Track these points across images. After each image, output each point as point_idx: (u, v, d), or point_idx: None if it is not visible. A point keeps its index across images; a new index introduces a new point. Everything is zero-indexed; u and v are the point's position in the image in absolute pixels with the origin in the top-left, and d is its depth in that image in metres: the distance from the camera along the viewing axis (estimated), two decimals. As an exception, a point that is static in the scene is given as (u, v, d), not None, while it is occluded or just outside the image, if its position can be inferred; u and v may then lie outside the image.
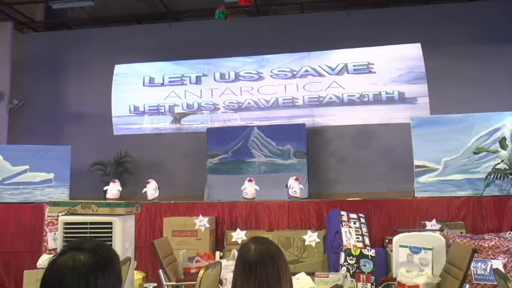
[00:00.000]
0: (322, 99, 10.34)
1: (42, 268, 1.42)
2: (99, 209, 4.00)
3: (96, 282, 1.42)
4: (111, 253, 1.53)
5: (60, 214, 4.02)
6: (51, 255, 1.53)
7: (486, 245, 4.61)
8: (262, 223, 5.59)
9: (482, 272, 4.46)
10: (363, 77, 10.23)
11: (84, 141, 10.13)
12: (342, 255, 4.73)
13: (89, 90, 11.01)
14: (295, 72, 10.51)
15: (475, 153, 5.78)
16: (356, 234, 5.15)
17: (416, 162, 5.97)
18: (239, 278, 1.98)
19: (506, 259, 4.51)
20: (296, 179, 5.88)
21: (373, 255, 4.67)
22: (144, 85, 11.10)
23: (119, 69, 11.16)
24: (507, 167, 5.58)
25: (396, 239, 4.19)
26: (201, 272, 2.92)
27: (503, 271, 4.19)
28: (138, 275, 5.15)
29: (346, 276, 4.48)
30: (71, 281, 1.39)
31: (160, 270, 4.32)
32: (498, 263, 4.45)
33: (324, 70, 10.43)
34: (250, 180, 5.88)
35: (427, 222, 5.01)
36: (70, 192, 6.74)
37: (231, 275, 2.07)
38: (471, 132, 5.90)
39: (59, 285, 1.40)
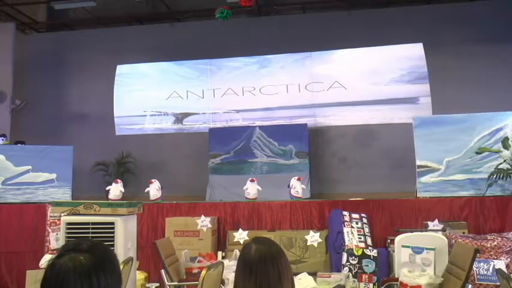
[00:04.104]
0: (324, 99, 10.33)
1: (45, 268, 1.41)
2: (101, 209, 4.01)
3: (98, 282, 1.41)
4: (109, 252, 1.52)
5: (62, 214, 4.04)
6: (53, 256, 1.52)
7: (488, 245, 4.60)
8: (264, 223, 5.59)
9: (485, 272, 4.45)
10: (364, 77, 10.23)
11: (86, 141, 10.16)
12: (344, 255, 4.73)
13: (91, 90, 11.03)
14: (297, 72, 10.51)
15: (477, 153, 5.76)
16: (358, 235, 5.14)
17: (418, 162, 5.96)
18: (240, 278, 1.98)
19: (508, 259, 4.50)
20: (298, 179, 5.87)
21: (375, 255, 4.66)
22: (145, 85, 11.12)
23: (121, 69, 11.19)
24: (509, 167, 5.56)
25: (398, 239, 4.18)
26: (203, 272, 2.92)
27: (506, 271, 4.17)
28: (140, 275, 5.15)
29: (348, 277, 4.48)
30: (73, 283, 1.38)
31: (162, 270, 4.32)
32: (500, 263, 4.44)
33: (326, 70, 10.42)
34: (252, 181, 5.87)
35: (429, 222, 5.00)
36: (72, 193, 6.74)
37: (233, 275, 2.07)
38: (473, 132, 5.89)
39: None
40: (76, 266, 1.40)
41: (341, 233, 5.11)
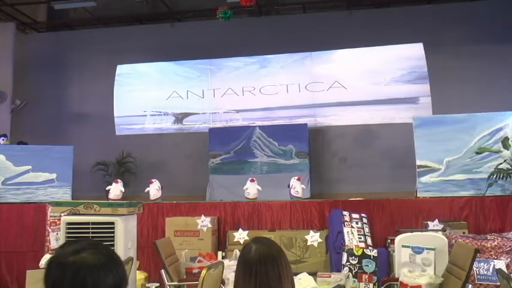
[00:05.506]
0: (324, 99, 10.33)
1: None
2: (102, 209, 4.02)
3: (105, 281, 1.41)
4: (112, 251, 1.53)
5: (62, 214, 4.04)
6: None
7: (489, 245, 4.60)
8: (264, 223, 5.59)
9: (485, 272, 4.45)
10: (364, 77, 10.22)
11: (86, 141, 10.15)
12: (344, 255, 4.73)
13: (91, 90, 11.03)
14: (297, 72, 10.51)
15: (477, 153, 5.76)
16: (358, 234, 5.15)
17: (418, 162, 5.96)
18: (240, 279, 1.99)
19: (509, 259, 4.50)
20: (298, 179, 5.88)
21: (376, 255, 4.67)
22: (146, 85, 11.12)
23: (121, 69, 11.18)
24: (510, 167, 5.56)
25: (398, 239, 4.19)
26: (203, 272, 2.93)
27: (506, 271, 4.17)
28: (140, 275, 5.15)
29: (348, 277, 4.48)
30: (84, 280, 1.38)
31: (163, 270, 4.32)
32: (501, 263, 4.44)
33: (326, 70, 10.42)
34: (252, 181, 5.87)
35: (429, 222, 5.01)
36: (72, 193, 6.74)
37: (233, 275, 2.07)
38: (473, 132, 5.88)
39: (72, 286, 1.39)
40: (86, 264, 1.40)
41: (341, 233, 5.11)
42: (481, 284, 4.44)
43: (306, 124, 9.92)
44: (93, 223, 3.93)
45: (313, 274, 4.24)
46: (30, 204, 6.14)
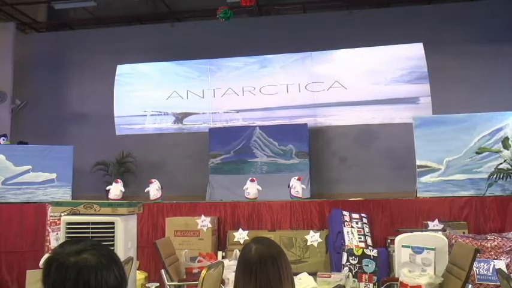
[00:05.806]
0: (324, 99, 10.33)
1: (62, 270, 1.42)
2: (102, 209, 4.02)
3: (108, 281, 1.41)
4: (112, 252, 1.53)
5: (62, 214, 4.04)
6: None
7: (489, 245, 4.60)
8: (264, 223, 5.59)
9: (485, 272, 4.45)
10: (365, 77, 10.22)
11: (86, 141, 10.15)
12: (344, 255, 4.73)
13: (91, 90, 11.03)
14: (297, 72, 10.51)
15: (477, 153, 5.76)
16: (358, 234, 5.14)
17: (418, 162, 5.96)
18: (240, 279, 1.99)
19: (509, 259, 4.50)
20: (298, 179, 5.88)
21: (375, 255, 4.67)
22: (146, 85, 11.12)
23: (121, 69, 11.18)
24: (510, 167, 5.56)
25: (398, 239, 4.19)
26: (203, 272, 2.93)
27: (506, 271, 4.17)
28: (140, 275, 5.15)
29: (348, 277, 4.48)
30: (88, 280, 1.38)
31: (163, 270, 4.32)
32: (501, 263, 4.44)
33: (326, 70, 10.42)
34: (252, 180, 5.87)
35: (429, 222, 5.00)
36: (72, 192, 6.75)
37: (233, 275, 2.07)
38: (473, 132, 5.89)
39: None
40: (87, 264, 1.40)
41: (341, 233, 5.11)
42: (481, 284, 4.44)
43: (306, 124, 9.92)
44: (93, 223, 3.93)
45: (313, 274, 4.24)
46: (30, 204, 6.14)
